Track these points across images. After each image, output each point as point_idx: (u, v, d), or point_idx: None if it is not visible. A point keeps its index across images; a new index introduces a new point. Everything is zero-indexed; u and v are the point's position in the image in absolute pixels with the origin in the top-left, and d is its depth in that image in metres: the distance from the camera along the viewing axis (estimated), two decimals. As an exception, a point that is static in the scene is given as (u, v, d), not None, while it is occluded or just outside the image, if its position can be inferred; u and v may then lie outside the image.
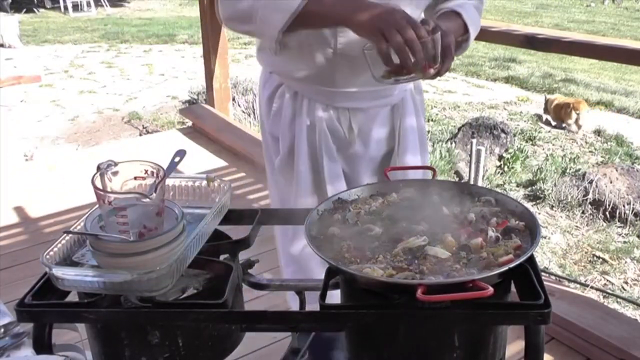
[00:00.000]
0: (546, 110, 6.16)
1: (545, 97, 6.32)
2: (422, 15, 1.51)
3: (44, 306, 1.05)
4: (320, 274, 1.09)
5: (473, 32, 1.45)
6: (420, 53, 1.19)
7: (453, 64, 1.37)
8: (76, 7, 13.14)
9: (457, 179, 4.56)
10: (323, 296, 1.01)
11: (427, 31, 1.22)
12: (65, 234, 1.05)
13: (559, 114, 5.94)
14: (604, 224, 4.04)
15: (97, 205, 1.02)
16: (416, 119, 1.66)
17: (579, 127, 5.87)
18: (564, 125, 5.97)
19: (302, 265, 1.67)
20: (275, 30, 1.32)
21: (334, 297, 1.22)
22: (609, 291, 3.29)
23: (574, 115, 5.81)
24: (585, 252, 3.72)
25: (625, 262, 3.62)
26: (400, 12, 1.21)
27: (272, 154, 1.69)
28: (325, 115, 1.55)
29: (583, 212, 4.14)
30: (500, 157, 4.92)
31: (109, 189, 0.99)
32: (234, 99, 5.31)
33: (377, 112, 1.58)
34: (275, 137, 1.65)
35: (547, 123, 6.15)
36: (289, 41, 1.38)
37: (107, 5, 13.64)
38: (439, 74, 1.27)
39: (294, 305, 1.36)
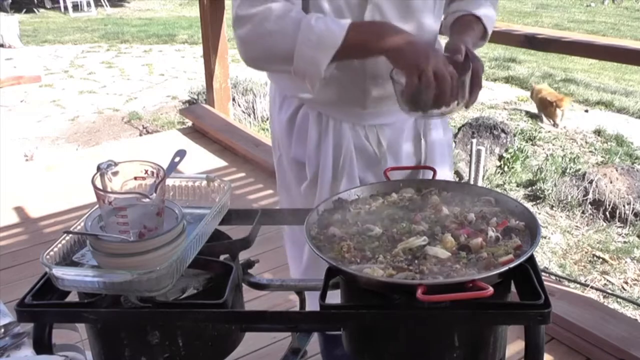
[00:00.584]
0: (532, 98, 6.27)
1: (532, 86, 6.38)
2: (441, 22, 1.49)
3: (44, 306, 1.05)
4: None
5: (490, 32, 1.44)
6: (448, 93, 1.18)
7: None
8: (76, 7, 13.12)
9: (457, 179, 4.56)
10: (323, 296, 1.01)
11: (458, 63, 1.21)
12: (65, 234, 1.05)
13: (546, 110, 6.06)
14: (604, 224, 4.04)
15: (97, 205, 1.02)
16: (442, 130, 1.61)
17: (566, 120, 6.01)
18: (549, 120, 6.10)
19: (308, 272, 1.65)
20: (319, 68, 1.25)
21: (334, 297, 1.22)
22: (609, 291, 3.29)
23: (558, 112, 5.92)
24: (585, 252, 3.72)
25: (625, 262, 3.62)
26: (440, 55, 1.19)
27: (293, 179, 1.61)
28: (352, 134, 1.50)
29: (583, 212, 4.14)
30: (500, 157, 4.92)
31: (109, 189, 0.99)
32: (234, 99, 5.30)
33: (403, 124, 1.54)
34: (300, 163, 1.57)
35: (533, 116, 6.21)
36: (327, 75, 1.29)
37: (107, 5, 13.64)
38: (466, 106, 1.26)
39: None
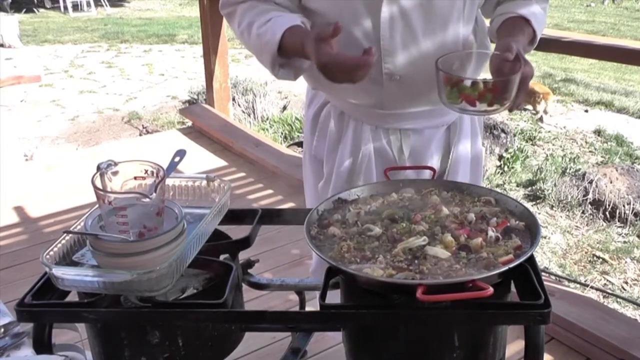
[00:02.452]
0: None
1: None
2: (478, 11, 1.42)
3: (44, 306, 1.05)
4: None
5: (539, 37, 1.37)
6: (346, 67, 1.12)
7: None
8: (76, 7, 13.13)
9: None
10: (323, 296, 1.01)
11: (508, 62, 1.17)
12: (65, 234, 1.05)
13: (529, 99, 6.12)
14: (604, 224, 4.04)
15: (97, 205, 1.02)
16: (472, 142, 1.54)
17: (546, 113, 6.14)
18: (531, 108, 6.20)
19: None
20: (270, 68, 1.29)
21: (334, 297, 1.22)
22: (609, 291, 3.29)
23: (542, 104, 6.06)
24: (585, 252, 3.72)
25: (625, 262, 3.62)
26: (315, 51, 1.13)
27: (311, 176, 1.63)
28: (372, 138, 1.45)
29: (583, 212, 4.13)
30: (500, 157, 4.91)
31: (109, 189, 0.99)
32: (234, 99, 5.30)
33: (431, 133, 1.48)
34: (319, 160, 1.58)
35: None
36: (301, 65, 1.31)
37: (107, 5, 13.64)
38: (510, 109, 1.21)
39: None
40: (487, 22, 1.47)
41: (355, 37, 1.31)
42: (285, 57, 1.27)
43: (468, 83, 1.19)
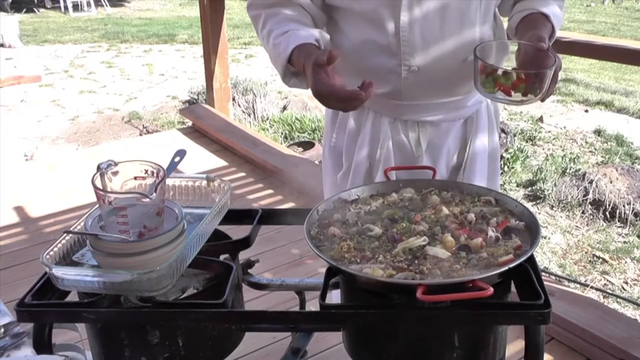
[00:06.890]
0: None
1: None
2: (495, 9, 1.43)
3: (44, 306, 1.05)
4: None
5: (557, 33, 1.37)
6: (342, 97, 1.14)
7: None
8: (76, 7, 13.11)
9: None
10: (323, 296, 1.01)
11: (541, 51, 1.19)
12: (65, 234, 1.06)
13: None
14: (604, 224, 4.04)
15: (97, 205, 1.02)
16: (489, 136, 1.55)
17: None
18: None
19: None
20: (282, 77, 1.33)
21: (334, 297, 1.22)
22: (609, 291, 3.29)
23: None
24: (585, 252, 3.72)
25: (625, 262, 3.62)
26: (315, 80, 1.16)
27: (330, 167, 1.64)
28: (391, 129, 1.47)
29: (583, 212, 4.13)
30: (500, 157, 4.91)
31: (109, 189, 0.99)
32: (234, 99, 5.30)
33: (448, 127, 1.49)
34: (338, 152, 1.60)
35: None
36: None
37: (107, 5, 13.63)
38: (542, 99, 1.22)
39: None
40: (504, 21, 1.48)
41: (375, 31, 1.34)
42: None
43: (501, 72, 1.20)
